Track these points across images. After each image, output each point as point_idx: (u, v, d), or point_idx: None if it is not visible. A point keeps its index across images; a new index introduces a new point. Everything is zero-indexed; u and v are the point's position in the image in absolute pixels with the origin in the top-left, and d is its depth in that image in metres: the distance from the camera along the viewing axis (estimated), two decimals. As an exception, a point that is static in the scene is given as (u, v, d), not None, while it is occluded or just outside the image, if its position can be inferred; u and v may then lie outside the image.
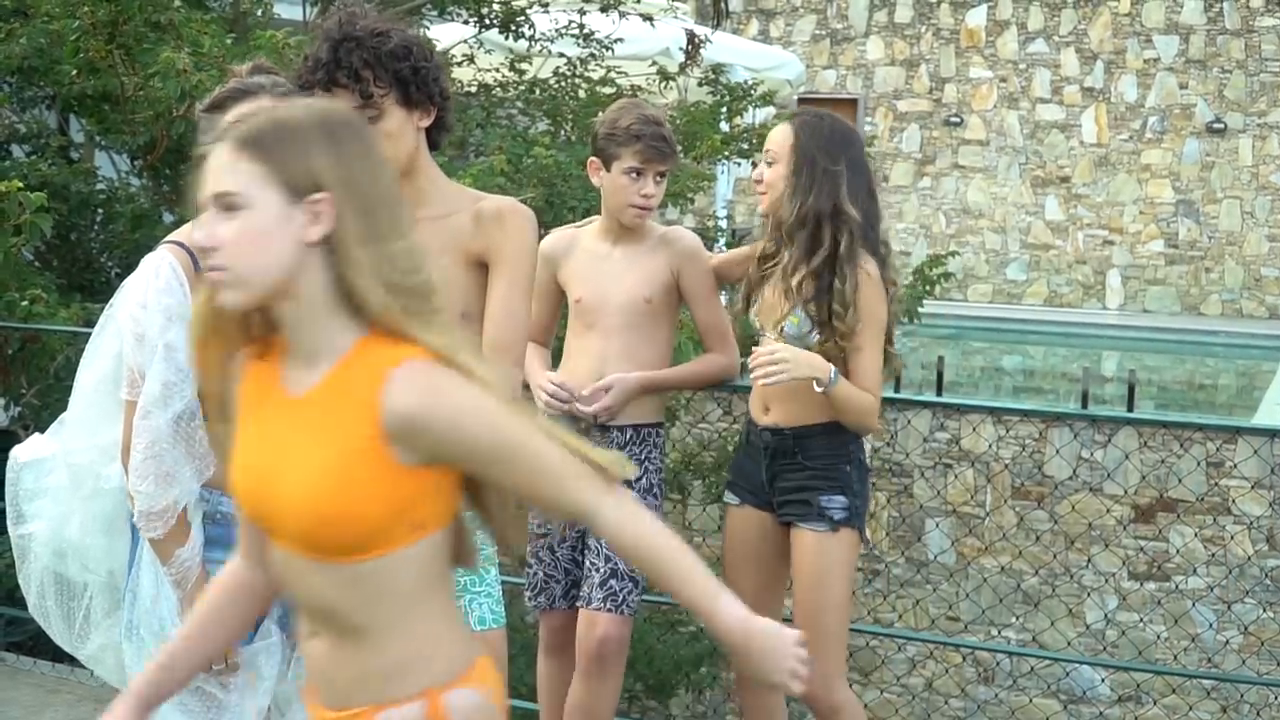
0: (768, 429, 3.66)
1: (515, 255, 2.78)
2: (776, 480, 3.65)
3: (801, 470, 3.60)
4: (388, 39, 2.69)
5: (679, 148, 3.71)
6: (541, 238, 3.32)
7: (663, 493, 3.86)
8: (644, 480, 3.74)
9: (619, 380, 3.66)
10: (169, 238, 2.82)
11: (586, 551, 3.73)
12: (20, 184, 5.43)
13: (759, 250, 3.70)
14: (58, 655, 6.58)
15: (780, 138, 3.60)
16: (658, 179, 3.65)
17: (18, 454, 2.97)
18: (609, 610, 3.62)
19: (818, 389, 3.45)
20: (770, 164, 3.60)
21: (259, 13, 8.59)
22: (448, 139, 2.97)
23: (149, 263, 2.75)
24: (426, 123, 2.80)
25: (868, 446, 3.82)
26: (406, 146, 2.76)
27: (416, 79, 2.72)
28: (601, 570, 3.65)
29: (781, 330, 3.55)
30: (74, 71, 6.65)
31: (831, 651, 3.58)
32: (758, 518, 3.72)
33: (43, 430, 6.05)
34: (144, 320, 2.68)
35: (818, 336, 3.52)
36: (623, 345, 3.70)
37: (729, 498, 3.84)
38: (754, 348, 3.59)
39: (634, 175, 3.62)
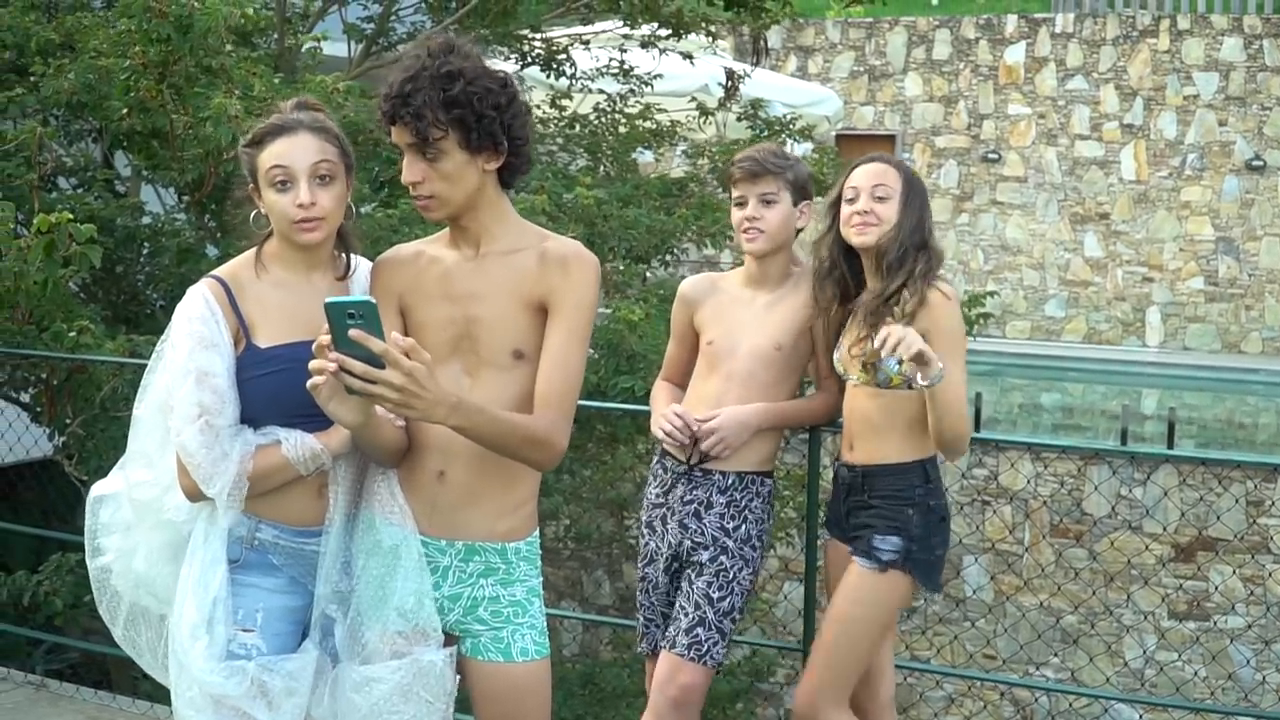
0: (845, 465, 3.68)
1: (576, 304, 2.74)
2: (850, 517, 3.66)
3: (867, 509, 3.61)
4: (456, 82, 2.66)
5: (769, 171, 3.66)
6: None
7: (764, 545, 3.78)
8: (743, 529, 3.69)
9: (730, 412, 3.64)
10: (211, 272, 2.90)
11: (678, 594, 3.72)
12: (70, 216, 5.50)
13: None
14: (98, 682, 6.65)
15: (892, 176, 3.61)
16: (763, 201, 3.67)
17: (95, 489, 3.04)
18: (693, 660, 3.60)
19: (923, 383, 3.36)
20: (881, 199, 3.58)
21: (303, 50, 8.69)
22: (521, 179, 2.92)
23: (188, 293, 2.84)
24: (494, 165, 2.76)
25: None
26: (465, 188, 2.74)
27: (479, 126, 2.69)
28: (690, 616, 3.63)
29: (876, 365, 3.54)
30: (124, 109, 6.73)
31: (831, 673, 3.57)
32: (846, 552, 3.68)
33: (85, 460, 6.12)
34: (175, 344, 2.77)
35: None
36: (741, 393, 3.67)
37: (824, 535, 3.85)
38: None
39: (740, 203, 3.71)
